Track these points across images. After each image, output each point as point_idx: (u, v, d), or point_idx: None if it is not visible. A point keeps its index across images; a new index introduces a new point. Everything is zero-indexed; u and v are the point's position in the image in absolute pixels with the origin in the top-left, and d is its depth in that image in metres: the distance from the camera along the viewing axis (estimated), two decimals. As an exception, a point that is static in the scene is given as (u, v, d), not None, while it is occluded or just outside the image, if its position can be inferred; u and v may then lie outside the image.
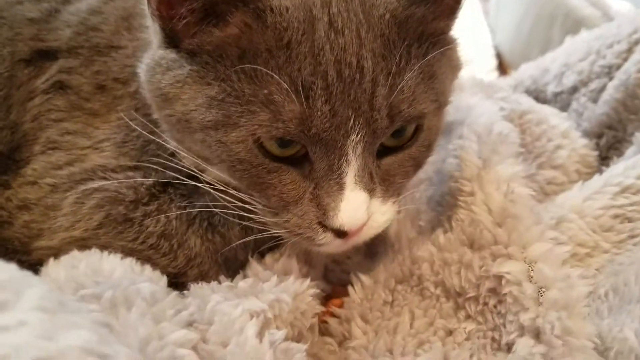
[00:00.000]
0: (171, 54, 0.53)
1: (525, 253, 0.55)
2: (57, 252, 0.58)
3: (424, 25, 0.53)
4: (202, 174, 0.59)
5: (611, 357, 0.51)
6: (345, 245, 0.55)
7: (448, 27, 0.58)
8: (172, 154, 0.60)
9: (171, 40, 0.53)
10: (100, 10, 0.67)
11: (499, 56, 1.34)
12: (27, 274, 0.38)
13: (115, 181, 0.61)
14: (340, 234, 0.52)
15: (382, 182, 0.54)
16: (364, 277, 0.65)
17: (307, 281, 0.59)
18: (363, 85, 0.49)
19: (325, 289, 0.67)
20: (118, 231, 0.60)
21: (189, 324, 0.48)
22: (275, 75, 0.48)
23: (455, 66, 0.61)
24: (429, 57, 0.53)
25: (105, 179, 0.61)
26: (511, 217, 0.57)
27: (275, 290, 0.56)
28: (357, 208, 0.51)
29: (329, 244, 0.53)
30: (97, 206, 0.60)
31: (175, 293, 0.54)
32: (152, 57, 0.56)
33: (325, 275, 0.71)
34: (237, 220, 0.62)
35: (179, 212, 0.61)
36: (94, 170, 0.62)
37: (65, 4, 0.68)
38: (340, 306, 0.65)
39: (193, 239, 0.61)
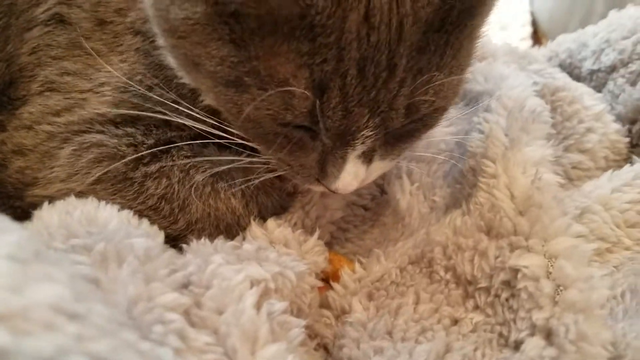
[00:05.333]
0: None
1: (547, 247, 0.51)
2: (52, 201, 0.56)
3: (465, 12, 0.46)
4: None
5: (624, 366, 0.48)
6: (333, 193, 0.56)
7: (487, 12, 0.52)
8: (176, 101, 0.56)
9: None
10: None
11: (534, 24, 1.27)
12: (4, 219, 0.35)
13: (114, 138, 0.58)
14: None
15: (384, 145, 0.52)
16: (378, 252, 0.62)
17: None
18: (389, 85, 0.45)
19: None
20: (117, 189, 0.57)
21: (184, 286, 0.45)
22: (295, 64, 0.43)
23: (487, 14, 0.53)
24: (465, 31, 0.47)
25: (103, 132, 0.58)
26: (535, 206, 0.53)
27: (281, 261, 0.54)
28: (354, 177, 0.51)
29: (321, 191, 0.58)
30: (95, 160, 0.57)
31: (172, 251, 0.51)
32: None
33: (329, 243, 0.68)
34: (239, 181, 0.59)
35: (181, 174, 0.58)
36: (91, 122, 0.59)
37: None
38: (337, 279, 0.62)
39: (195, 204, 0.58)
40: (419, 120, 0.51)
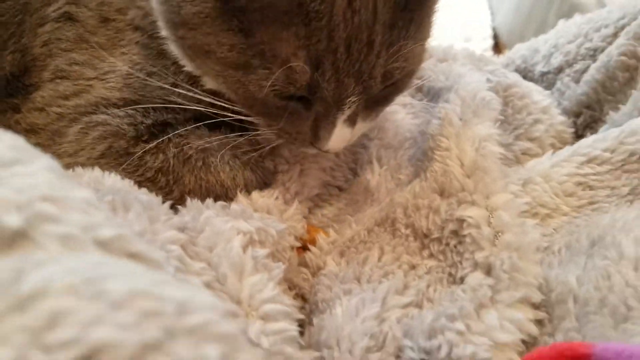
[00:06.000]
0: None
1: (488, 202, 0.60)
2: None
3: None
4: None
5: (553, 298, 0.57)
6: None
7: None
8: (175, 84, 0.65)
9: None
10: None
11: (496, 37, 1.39)
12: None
13: (117, 118, 0.66)
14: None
15: (365, 109, 0.62)
16: (350, 219, 0.71)
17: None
18: (369, 58, 0.55)
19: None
20: (119, 162, 0.66)
21: (181, 230, 0.54)
22: (295, 45, 0.52)
23: (434, 15, 0.65)
24: (424, 8, 0.58)
25: (107, 114, 0.67)
26: (480, 170, 0.63)
27: (263, 220, 0.63)
28: (342, 138, 0.61)
29: (314, 152, 0.67)
30: (100, 137, 0.66)
31: (169, 203, 0.60)
32: None
33: (307, 217, 0.77)
34: (227, 155, 0.68)
35: (175, 150, 0.67)
36: (97, 105, 0.68)
37: None
38: (314, 243, 0.71)
39: (188, 177, 0.67)
40: (392, 85, 0.61)
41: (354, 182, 0.82)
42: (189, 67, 0.64)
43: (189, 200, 0.63)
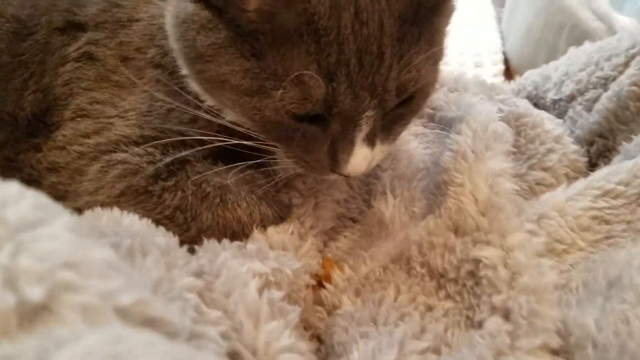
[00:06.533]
0: (204, 12, 0.57)
1: (504, 241, 0.60)
2: (80, 213, 0.64)
3: (431, 9, 0.58)
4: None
5: (572, 341, 0.56)
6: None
7: (448, 12, 0.64)
8: (194, 119, 0.66)
9: None
10: None
11: (507, 62, 1.39)
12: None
13: (137, 157, 0.67)
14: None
15: (383, 131, 0.62)
16: (365, 254, 0.70)
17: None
18: (381, 70, 0.56)
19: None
20: (138, 201, 0.66)
21: (198, 275, 0.54)
22: (306, 61, 0.53)
23: (449, 15, 0.66)
24: (433, 25, 0.59)
25: (127, 152, 0.68)
26: (494, 208, 0.63)
27: (279, 259, 0.63)
28: (363, 160, 0.60)
29: (335, 178, 0.68)
30: (119, 176, 0.66)
31: (187, 246, 0.60)
32: (181, 10, 0.59)
33: (322, 250, 0.77)
34: (245, 191, 0.68)
35: (194, 187, 0.67)
36: (117, 143, 0.68)
37: None
38: (329, 280, 0.70)
39: (205, 214, 0.67)
40: (407, 103, 0.61)
41: (368, 214, 0.81)
42: (208, 101, 0.65)
43: (205, 241, 0.63)
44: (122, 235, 0.56)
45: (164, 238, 0.57)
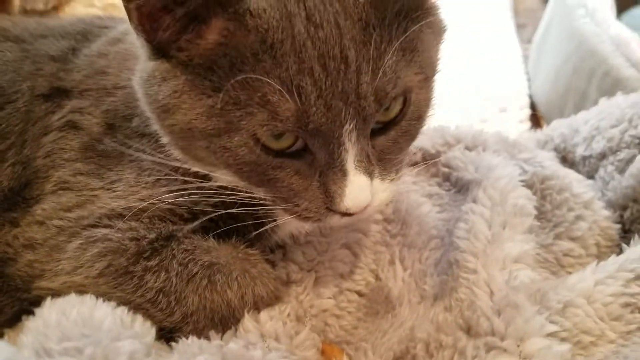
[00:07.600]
0: (164, 64, 0.55)
1: (522, 347, 0.53)
2: (56, 294, 0.60)
3: (402, 1, 0.54)
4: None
5: None
6: (351, 219, 0.60)
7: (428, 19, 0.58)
8: (183, 187, 0.62)
9: (159, 50, 0.55)
10: (106, 53, 0.71)
11: (533, 107, 1.31)
12: None
13: (119, 232, 0.62)
14: (347, 214, 0.56)
15: (379, 161, 0.57)
16: (366, 345, 0.64)
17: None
18: (348, 75, 0.51)
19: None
20: (117, 282, 0.61)
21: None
22: (265, 79, 0.50)
23: (438, 31, 0.62)
24: (408, 32, 0.54)
25: (110, 226, 0.63)
26: (511, 306, 0.56)
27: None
28: (361, 191, 0.54)
29: (338, 222, 0.60)
30: (99, 255, 0.61)
31: (155, 353, 0.54)
32: (144, 69, 0.58)
33: (323, 330, 0.71)
34: (236, 271, 0.63)
35: (179, 267, 0.61)
36: (100, 217, 0.64)
37: (83, 42, 0.72)
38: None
39: (191, 297, 0.61)
40: (397, 126, 0.57)
41: (375, 287, 0.75)
42: (189, 163, 0.61)
43: (181, 341, 0.58)
44: (87, 338, 0.51)
45: (131, 342, 0.52)
